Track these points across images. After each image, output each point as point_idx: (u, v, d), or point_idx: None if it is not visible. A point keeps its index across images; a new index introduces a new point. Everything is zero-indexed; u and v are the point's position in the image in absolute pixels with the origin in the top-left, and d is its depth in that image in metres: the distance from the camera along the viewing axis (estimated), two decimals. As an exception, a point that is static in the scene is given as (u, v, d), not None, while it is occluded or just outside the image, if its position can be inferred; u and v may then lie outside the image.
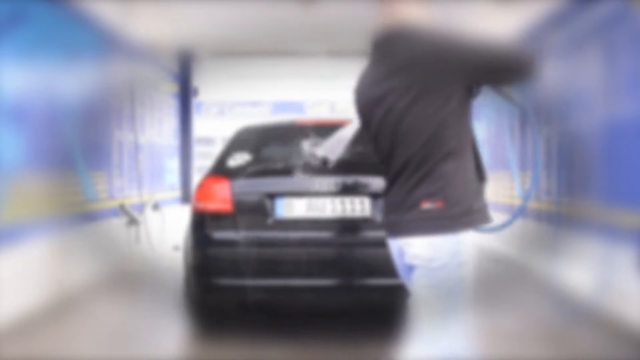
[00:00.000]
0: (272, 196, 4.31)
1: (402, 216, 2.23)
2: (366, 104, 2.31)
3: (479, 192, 2.27)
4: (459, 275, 2.25)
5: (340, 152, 3.75)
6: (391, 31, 2.26)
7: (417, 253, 2.23)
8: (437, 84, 2.14)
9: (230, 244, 4.25)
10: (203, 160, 10.52)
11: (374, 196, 4.30)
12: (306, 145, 4.14)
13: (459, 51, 2.15)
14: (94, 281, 6.06)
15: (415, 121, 2.16)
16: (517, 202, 7.38)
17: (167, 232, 8.60)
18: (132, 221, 7.67)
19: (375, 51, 2.32)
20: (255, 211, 4.28)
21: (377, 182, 4.32)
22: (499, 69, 2.18)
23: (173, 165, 10.52)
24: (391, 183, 2.29)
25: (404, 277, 2.43)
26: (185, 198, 10.51)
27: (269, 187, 4.32)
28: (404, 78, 2.16)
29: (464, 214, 2.18)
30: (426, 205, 2.17)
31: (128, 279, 6.68)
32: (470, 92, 2.21)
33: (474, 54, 2.16)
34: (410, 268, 2.30)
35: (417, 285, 2.31)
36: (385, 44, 2.27)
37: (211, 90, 12.13)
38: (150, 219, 8.30)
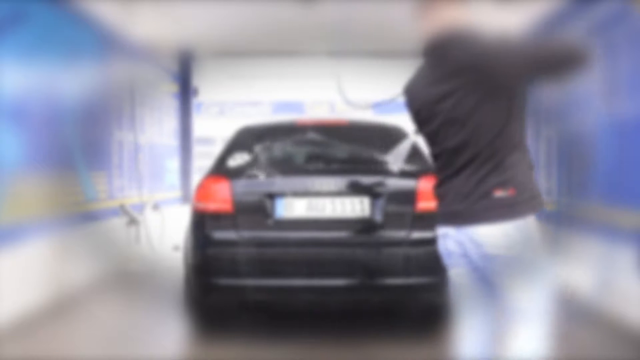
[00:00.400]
0: (272, 196, 4.31)
1: (472, 205, 2.35)
2: (426, 102, 2.44)
3: (534, 179, 2.45)
4: (537, 259, 2.38)
5: (403, 160, 3.98)
6: (445, 34, 2.41)
7: (496, 242, 2.33)
8: (503, 82, 2.29)
9: (230, 244, 4.25)
10: (203, 160, 10.52)
11: (374, 196, 4.30)
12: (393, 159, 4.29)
13: (521, 50, 2.32)
14: (94, 281, 6.06)
15: (486, 117, 2.31)
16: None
17: (167, 232, 8.60)
18: (132, 221, 7.67)
19: (431, 53, 2.46)
20: (255, 211, 4.28)
21: (377, 182, 4.32)
22: (557, 63, 2.32)
23: (173, 165, 10.52)
24: (454, 175, 2.40)
25: (469, 268, 2.49)
26: (185, 198, 10.50)
27: (269, 187, 4.32)
28: (469, 78, 2.30)
29: (531, 199, 2.36)
30: (498, 194, 2.31)
31: (128, 279, 6.68)
32: (528, 88, 2.38)
33: (534, 51, 2.32)
34: (483, 259, 2.39)
35: (497, 274, 2.39)
36: (441, 47, 2.41)
37: (211, 90, 12.11)
38: (150, 219, 8.30)
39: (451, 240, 2.47)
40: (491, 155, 2.32)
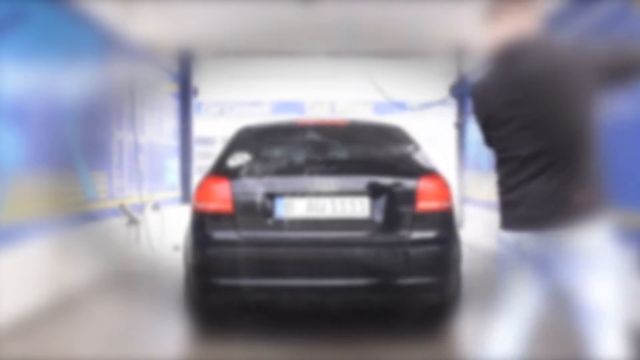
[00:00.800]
0: (272, 196, 4.31)
1: (552, 210, 2.38)
2: (499, 108, 2.46)
3: (604, 183, 2.49)
4: (619, 262, 2.46)
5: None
6: (518, 41, 2.43)
7: (577, 246, 2.37)
8: (579, 89, 2.33)
9: (230, 244, 4.25)
10: (203, 160, 10.52)
11: (374, 196, 4.30)
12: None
13: (596, 57, 2.36)
14: (94, 281, 6.06)
15: (562, 123, 2.35)
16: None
17: (167, 232, 8.60)
18: (132, 221, 7.67)
19: (503, 59, 2.48)
20: (255, 211, 4.28)
21: (377, 182, 4.33)
22: (632, 68, 2.37)
23: (173, 165, 10.52)
24: (528, 181, 2.42)
25: (542, 272, 2.50)
26: (185, 198, 10.51)
27: (269, 187, 4.32)
28: (545, 84, 2.35)
29: (605, 203, 2.40)
30: (577, 198, 2.35)
31: (128, 279, 6.68)
32: (603, 93, 2.40)
33: (609, 57, 2.37)
34: (563, 263, 2.41)
35: (576, 276, 2.42)
36: (515, 53, 2.43)
37: (211, 90, 12.11)
38: (150, 219, 8.30)
39: (526, 245, 2.48)
40: (568, 160, 2.36)
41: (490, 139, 2.57)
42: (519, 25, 2.46)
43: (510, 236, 2.52)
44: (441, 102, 11.23)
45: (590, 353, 2.48)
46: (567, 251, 2.39)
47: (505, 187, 2.51)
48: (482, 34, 2.54)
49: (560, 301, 2.55)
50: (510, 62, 2.44)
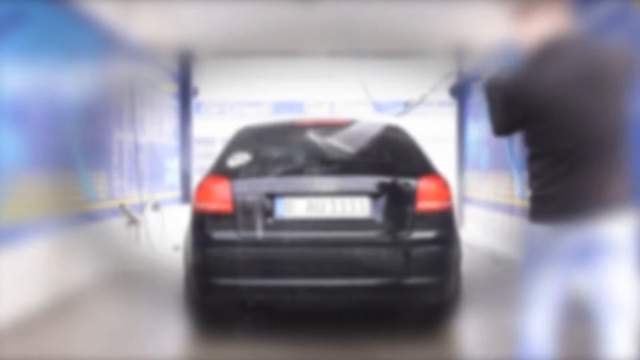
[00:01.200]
0: (272, 196, 4.31)
1: (586, 203, 2.43)
2: (539, 104, 2.48)
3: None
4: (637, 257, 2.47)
5: (360, 144, 4.06)
6: (555, 37, 2.48)
7: (617, 239, 2.41)
8: (614, 85, 2.41)
9: (230, 244, 4.25)
10: (203, 160, 10.51)
11: (374, 196, 4.31)
12: (313, 135, 4.31)
13: (628, 52, 2.44)
14: (94, 281, 6.06)
15: (600, 119, 2.42)
16: (517, 201, 7.37)
17: (167, 232, 8.60)
18: (132, 221, 7.67)
19: (540, 58, 2.51)
20: (255, 211, 4.28)
21: (377, 182, 4.33)
22: None
23: (173, 165, 10.52)
24: (565, 175, 2.46)
25: (579, 265, 2.51)
26: (185, 198, 10.51)
27: (269, 187, 4.32)
28: (584, 79, 2.41)
29: (632, 197, 2.45)
30: (614, 192, 2.42)
31: (128, 279, 6.68)
32: (633, 90, 2.47)
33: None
34: (600, 256, 2.44)
35: (615, 272, 2.45)
36: (551, 53, 2.47)
37: (211, 90, 12.11)
38: (150, 219, 8.30)
39: (557, 237, 2.50)
40: (602, 155, 2.42)
41: (522, 133, 2.60)
42: (553, 23, 2.50)
43: (542, 228, 2.54)
44: (432, 91, 11.14)
45: (606, 347, 2.51)
46: (596, 243, 2.42)
47: (540, 181, 2.54)
48: (513, 32, 2.58)
49: (576, 294, 2.58)
50: (548, 59, 2.48)
